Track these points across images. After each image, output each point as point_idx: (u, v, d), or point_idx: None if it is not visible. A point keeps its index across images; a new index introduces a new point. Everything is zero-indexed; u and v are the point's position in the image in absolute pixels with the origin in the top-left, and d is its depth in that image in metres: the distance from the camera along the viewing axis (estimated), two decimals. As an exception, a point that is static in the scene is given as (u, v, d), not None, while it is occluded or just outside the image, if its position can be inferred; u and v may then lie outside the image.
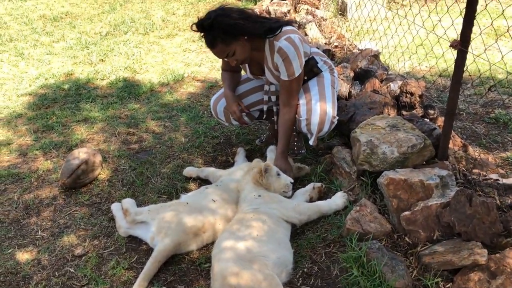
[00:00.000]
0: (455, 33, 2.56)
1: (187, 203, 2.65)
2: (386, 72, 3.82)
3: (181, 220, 2.52)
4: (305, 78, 3.03)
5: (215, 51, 2.80)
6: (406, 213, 2.41)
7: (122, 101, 4.44)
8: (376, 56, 4.12)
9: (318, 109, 2.89)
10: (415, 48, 3.86)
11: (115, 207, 2.84)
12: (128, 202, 2.80)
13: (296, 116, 2.97)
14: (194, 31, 2.75)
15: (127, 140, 3.75)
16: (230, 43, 2.72)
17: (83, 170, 3.13)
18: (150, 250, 2.55)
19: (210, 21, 2.66)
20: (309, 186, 2.87)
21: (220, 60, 3.24)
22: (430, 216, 2.33)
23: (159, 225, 2.51)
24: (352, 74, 3.96)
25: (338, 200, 2.73)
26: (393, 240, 2.45)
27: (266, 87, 3.17)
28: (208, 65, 5.22)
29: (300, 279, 2.31)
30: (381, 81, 3.74)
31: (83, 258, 2.57)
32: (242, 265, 2.12)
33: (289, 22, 2.92)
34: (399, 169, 2.56)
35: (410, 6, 5.61)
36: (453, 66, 2.52)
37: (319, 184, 2.87)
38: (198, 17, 2.74)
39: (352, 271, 2.23)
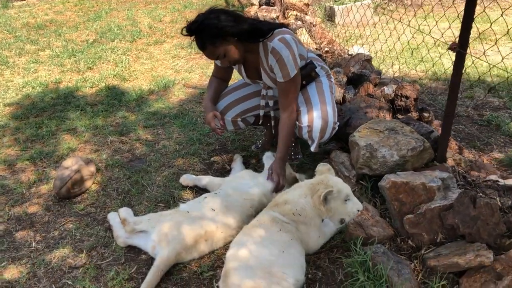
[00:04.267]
0: (446, 37, 2.58)
1: (188, 212, 2.61)
2: (379, 76, 3.84)
3: (183, 229, 2.47)
4: (303, 83, 3.02)
5: (205, 53, 2.77)
6: (409, 216, 2.40)
7: (112, 108, 4.37)
8: (368, 60, 4.14)
9: (319, 116, 2.88)
10: (406, 52, 3.89)
11: (112, 217, 2.78)
12: (126, 211, 2.74)
13: (297, 123, 2.95)
14: (184, 35, 2.71)
15: (120, 148, 3.69)
16: (220, 45, 2.69)
17: (76, 180, 3.06)
18: (150, 260, 2.49)
19: (198, 24, 2.64)
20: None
21: (212, 66, 3.21)
22: (433, 218, 2.33)
23: (160, 233, 2.46)
24: (345, 79, 3.97)
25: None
26: (396, 243, 2.44)
27: (263, 92, 3.14)
28: (198, 72, 5.18)
29: (305, 285, 2.28)
30: (375, 85, 3.76)
31: (80, 270, 2.50)
32: (261, 277, 2.08)
33: (283, 25, 2.91)
34: (400, 172, 2.55)
35: (401, 11, 5.68)
36: (448, 69, 2.54)
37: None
38: (187, 21, 2.71)
39: (358, 276, 2.21)
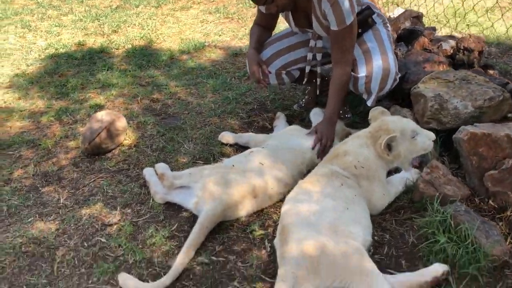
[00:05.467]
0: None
1: (233, 166, 2.32)
2: (433, 32, 3.49)
3: (230, 182, 2.19)
4: (359, 31, 2.68)
5: None
6: (492, 172, 2.09)
7: (141, 68, 4.09)
8: (418, 17, 3.78)
9: (380, 65, 2.56)
10: (457, 16, 3.54)
11: (148, 172, 2.51)
12: (163, 166, 2.46)
13: (353, 73, 2.63)
14: None
15: (151, 106, 3.41)
16: None
17: (107, 135, 2.80)
18: (192, 217, 2.23)
19: None
20: (407, 175, 2.30)
21: (253, 15, 2.90)
22: (522, 174, 2.01)
23: (204, 188, 2.18)
24: (394, 36, 3.62)
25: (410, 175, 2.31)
26: (474, 204, 2.14)
27: (311, 43, 2.82)
28: (229, 34, 4.87)
29: (372, 248, 1.99)
30: (430, 41, 3.41)
31: (114, 227, 2.25)
32: (325, 235, 1.79)
33: None
34: (478, 124, 2.23)
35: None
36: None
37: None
38: None
39: (437, 237, 1.90)
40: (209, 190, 2.16)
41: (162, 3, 6.21)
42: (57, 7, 6.28)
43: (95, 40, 4.92)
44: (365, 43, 2.68)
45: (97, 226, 2.26)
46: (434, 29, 3.55)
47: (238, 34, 4.85)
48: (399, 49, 3.48)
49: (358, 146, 2.20)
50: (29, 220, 2.33)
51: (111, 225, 2.26)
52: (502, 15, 3.83)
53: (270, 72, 2.86)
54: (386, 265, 1.91)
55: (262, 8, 2.80)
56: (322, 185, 2.05)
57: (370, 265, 1.73)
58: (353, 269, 1.71)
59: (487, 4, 4.33)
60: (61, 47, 4.72)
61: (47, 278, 1.99)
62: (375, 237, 2.05)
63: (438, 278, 1.75)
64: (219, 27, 5.16)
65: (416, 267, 1.87)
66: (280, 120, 2.99)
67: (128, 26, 5.32)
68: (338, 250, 1.74)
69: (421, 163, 2.35)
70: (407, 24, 3.70)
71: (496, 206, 2.08)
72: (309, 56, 2.87)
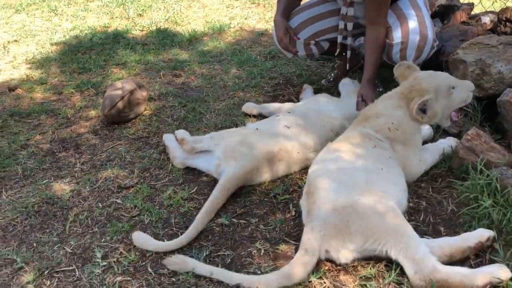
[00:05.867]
0: None
1: (257, 129, 2.19)
2: (471, 7, 3.29)
3: (253, 144, 2.06)
4: (394, -3, 2.53)
5: None
6: (542, 136, 1.89)
7: (164, 47, 4.00)
8: (454, -6, 3.58)
9: (416, 31, 2.40)
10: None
11: (167, 137, 2.41)
12: (183, 132, 2.35)
13: (387, 40, 2.47)
14: None
15: (173, 81, 3.31)
16: None
17: (128, 102, 2.70)
18: (213, 182, 2.10)
19: None
20: (445, 143, 2.14)
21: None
22: None
23: (227, 149, 2.05)
24: (429, 13, 3.44)
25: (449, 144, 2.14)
26: (521, 171, 1.94)
27: (343, 10, 2.67)
28: (255, 18, 4.75)
29: (406, 214, 1.81)
30: (468, 16, 3.21)
31: (131, 190, 2.14)
32: (358, 193, 1.64)
33: None
34: (525, 87, 2.04)
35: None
36: None
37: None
38: None
39: (480, 202, 1.72)
40: (231, 151, 2.03)
41: (188, -10, 6.16)
42: (83, -6, 6.30)
43: (119, 23, 4.87)
44: (401, 9, 2.52)
45: (113, 189, 2.16)
46: (472, 5, 3.35)
47: (264, 17, 4.72)
48: (435, 25, 3.30)
49: (391, 107, 2.04)
50: (44, 182, 2.25)
51: (127, 187, 2.15)
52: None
53: (298, 39, 2.72)
54: (423, 231, 1.74)
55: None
56: (354, 146, 1.90)
57: (406, 225, 1.57)
58: (387, 228, 1.55)
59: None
60: (85, 29, 4.69)
61: (58, 236, 1.89)
62: (410, 204, 1.88)
63: (482, 243, 1.58)
64: (245, 11, 5.05)
65: (457, 234, 1.69)
66: (307, 92, 2.84)
67: (154, 11, 5.26)
68: (371, 209, 1.58)
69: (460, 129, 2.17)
70: (443, 1, 3.51)
71: (546, 174, 1.89)
72: (341, 24, 2.72)
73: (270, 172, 2.07)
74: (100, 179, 2.23)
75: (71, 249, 1.81)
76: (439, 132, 2.31)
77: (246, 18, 4.77)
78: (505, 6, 2.97)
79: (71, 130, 2.72)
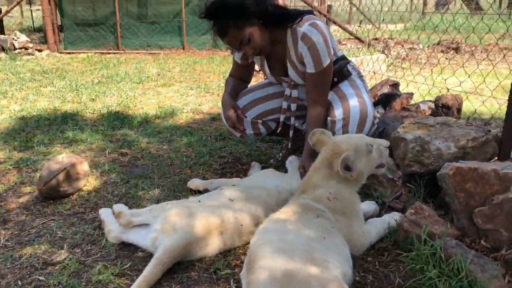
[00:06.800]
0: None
1: (199, 201, 2.10)
2: (411, 97, 3.50)
3: (195, 215, 1.95)
4: (335, 79, 2.65)
5: (227, 39, 2.43)
6: (482, 208, 1.91)
7: (114, 129, 3.95)
8: (395, 85, 3.82)
9: (356, 106, 2.49)
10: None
11: (104, 211, 2.27)
12: (121, 206, 2.23)
13: (329, 118, 2.54)
14: (201, 18, 2.40)
15: (119, 159, 3.22)
16: (243, 26, 2.36)
17: (67, 176, 2.57)
18: (149, 257, 1.94)
19: (218, 4, 2.33)
20: (390, 217, 2.12)
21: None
22: (514, 209, 1.84)
23: (165, 220, 1.93)
24: (373, 100, 3.62)
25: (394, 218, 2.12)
26: (465, 245, 1.91)
27: (287, 91, 2.77)
28: (209, 104, 4.85)
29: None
30: (408, 104, 3.40)
31: (57, 266, 1.94)
32: (299, 262, 1.54)
33: (311, 12, 2.62)
34: (463, 161, 2.10)
35: (415, 68, 5.48)
36: None
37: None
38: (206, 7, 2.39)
39: (426, 273, 1.66)
40: (170, 222, 1.91)
41: (144, 80, 6.29)
42: (37, 81, 6.29)
43: (70, 107, 4.83)
44: (341, 90, 2.62)
45: (37, 265, 1.95)
46: (411, 94, 3.57)
47: (217, 104, 4.83)
48: (377, 111, 3.46)
49: (324, 178, 2.02)
50: (-41, 259, 2.01)
51: (53, 264, 1.95)
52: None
53: (246, 117, 2.75)
54: (370, 306, 1.64)
55: (238, 59, 2.78)
56: (296, 216, 1.84)
57: (351, 296, 1.47)
58: (331, 299, 1.44)
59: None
60: (34, 111, 4.61)
61: (-36, 318, 1.65)
62: (357, 278, 1.79)
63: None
64: (199, 99, 5.16)
65: (404, 308, 1.60)
66: (255, 169, 2.82)
67: (107, 96, 5.29)
68: (314, 278, 1.48)
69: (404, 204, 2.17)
70: (385, 90, 3.72)
71: (488, 246, 1.88)
72: (284, 105, 2.80)
73: (212, 246, 1.95)
74: (24, 256, 2.03)
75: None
76: (384, 208, 2.30)
77: (199, 105, 4.86)
78: (440, 94, 3.18)
79: (1, 206, 2.52)
